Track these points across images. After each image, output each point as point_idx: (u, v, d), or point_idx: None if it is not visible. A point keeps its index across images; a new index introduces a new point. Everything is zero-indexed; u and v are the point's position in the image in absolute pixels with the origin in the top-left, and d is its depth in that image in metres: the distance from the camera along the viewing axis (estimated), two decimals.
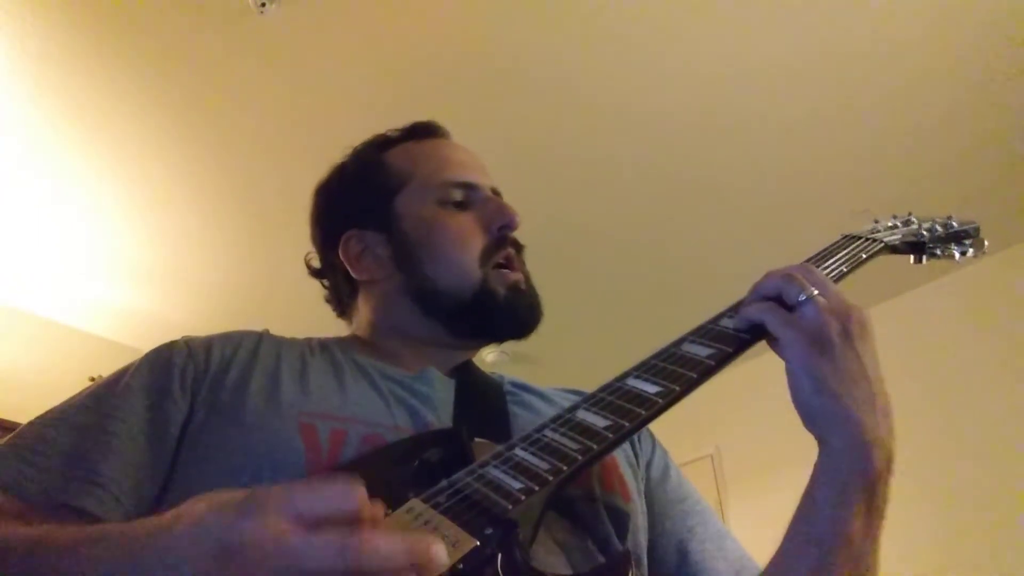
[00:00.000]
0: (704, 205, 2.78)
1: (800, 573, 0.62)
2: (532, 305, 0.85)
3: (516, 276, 0.85)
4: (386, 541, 0.39)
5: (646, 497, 0.81)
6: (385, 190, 0.88)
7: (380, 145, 0.95)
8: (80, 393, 0.72)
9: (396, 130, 0.96)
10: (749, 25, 2.12)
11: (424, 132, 0.96)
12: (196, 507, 0.43)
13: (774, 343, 0.65)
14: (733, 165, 2.60)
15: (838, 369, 0.61)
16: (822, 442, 0.62)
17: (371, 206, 0.88)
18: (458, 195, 0.87)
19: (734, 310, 0.69)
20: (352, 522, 0.40)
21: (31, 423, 0.69)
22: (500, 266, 0.84)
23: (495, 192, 0.91)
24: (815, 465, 0.63)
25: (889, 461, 0.62)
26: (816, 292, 0.64)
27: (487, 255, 0.84)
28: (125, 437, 0.67)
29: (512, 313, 0.83)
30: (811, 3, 2.06)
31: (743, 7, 2.07)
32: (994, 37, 2.15)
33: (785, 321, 0.63)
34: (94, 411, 0.69)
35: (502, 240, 0.85)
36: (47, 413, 0.70)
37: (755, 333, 0.65)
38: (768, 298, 0.66)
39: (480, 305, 0.82)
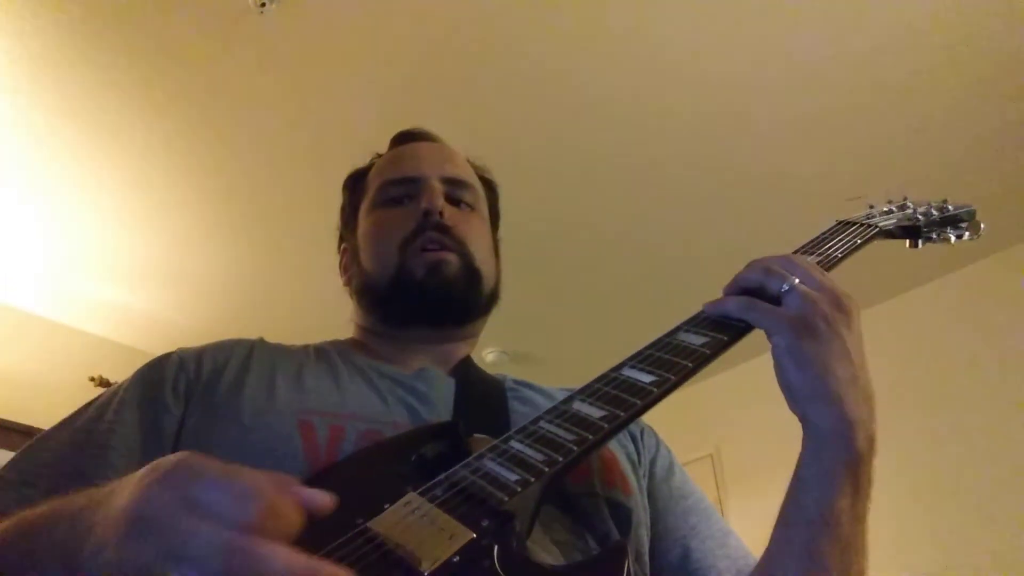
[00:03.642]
0: (705, 204, 2.78)
1: (790, 556, 0.62)
2: (451, 283, 0.84)
3: (437, 257, 0.84)
4: (278, 556, 0.36)
5: (649, 494, 0.81)
6: (357, 201, 0.96)
7: (376, 158, 1.01)
8: (77, 412, 0.74)
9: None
10: (748, 22, 2.13)
11: (397, 140, 1.01)
12: (132, 476, 0.43)
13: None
14: (732, 165, 2.60)
15: (821, 350, 0.62)
16: (805, 421, 0.63)
17: (350, 217, 0.97)
18: (394, 191, 0.90)
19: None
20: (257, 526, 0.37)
21: (30, 446, 0.70)
22: (425, 251, 0.84)
23: (449, 180, 0.91)
24: (801, 447, 0.64)
25: (871, 442, 0.62)
26: (797, 280, 0.65)
27: (407, 242, 0.85)
28: (123, 451, 0.68)
29: (427, 293, 0.83)
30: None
31: (743, 5, 2.07)
32: (1000, 36, 2.15)
33: (766, 313, 0.64)
34: (92, 430, 0.70)
35: (422, 226, 0.85)
36: (46, 435, 0.72)
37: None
38: (750, 290, 0.67)
39: (398, 289, 0.84)
